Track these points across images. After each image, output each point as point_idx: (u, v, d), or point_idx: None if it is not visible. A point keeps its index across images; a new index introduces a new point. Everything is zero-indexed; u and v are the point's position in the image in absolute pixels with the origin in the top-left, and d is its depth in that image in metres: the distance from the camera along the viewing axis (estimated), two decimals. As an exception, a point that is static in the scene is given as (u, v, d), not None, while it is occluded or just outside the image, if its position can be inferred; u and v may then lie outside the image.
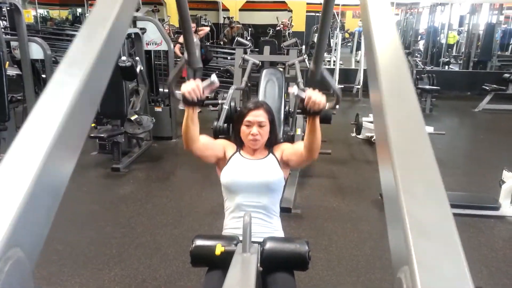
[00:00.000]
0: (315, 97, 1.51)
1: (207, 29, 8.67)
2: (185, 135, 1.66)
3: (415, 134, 0.45)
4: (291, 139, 3.40)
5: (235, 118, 1.89)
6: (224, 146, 1.84)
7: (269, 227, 1.77)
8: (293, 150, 1.79)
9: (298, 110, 3.62)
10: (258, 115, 1.76)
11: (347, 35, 15.54)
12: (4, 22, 9.02)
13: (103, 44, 0.54)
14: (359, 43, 10.45)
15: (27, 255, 0.39)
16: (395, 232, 0.41)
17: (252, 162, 1.79)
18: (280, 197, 1.85)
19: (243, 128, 1.78)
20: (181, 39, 7.30)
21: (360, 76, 8.78)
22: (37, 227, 0.42)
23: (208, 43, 12.27)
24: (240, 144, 1.85)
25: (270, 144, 1.85)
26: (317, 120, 1.60)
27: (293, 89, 1.56)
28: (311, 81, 1.55)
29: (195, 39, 7.12)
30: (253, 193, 1.75)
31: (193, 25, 7.60)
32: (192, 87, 1.51)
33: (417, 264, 0.34)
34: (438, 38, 11.84)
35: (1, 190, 0.39)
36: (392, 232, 0.43)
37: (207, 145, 1.77)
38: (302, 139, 1.90)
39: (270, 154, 1.83)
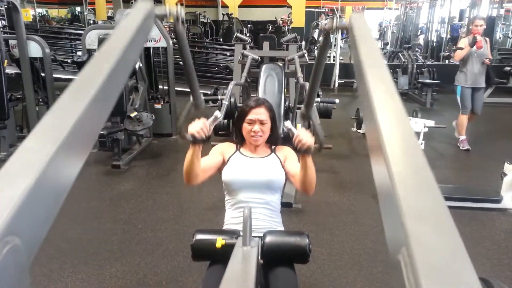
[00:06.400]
0: (302, 137, 1.52)
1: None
2: (188, 173, 1.64)
3: (404, 134, 0.49)
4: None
5: (237, 116, 1.89)
6: (221, 152, 1.83)
7: (269, 222, 1.77)
8: (293, 170, 1.75)
9: (299, 105, 3.61)
10: (259, 113, 1.77)
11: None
12: (3, 21, 9.01)
13: (120, 56, 0.60)
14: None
15: (25, 246, 0.39)
16: (391, 219, 0.42)
17: (254, 160, 1.80)
18: (281, 194, 1.86)
19: (245, 126, 1.79)
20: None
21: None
22: (37, 221, 0.42)
23: (208, 40, 12.24)
24: (240, 142, 1.85)
25: (271, 142, 1.85)
26: (308, 159, 1.59)
27: (287, 124, 1.64)
28: (304, 117, 1.69)
29: None
30: (254, 190, 1.75)
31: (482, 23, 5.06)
32: (200, 127, 1.53)
33: (414, 242, 0.34)
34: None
35: (6, 181, 0.39)
36: (387, 220, 0.45)
37: (207, 169, 1.75)
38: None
39: (273, 153, 1.84)
